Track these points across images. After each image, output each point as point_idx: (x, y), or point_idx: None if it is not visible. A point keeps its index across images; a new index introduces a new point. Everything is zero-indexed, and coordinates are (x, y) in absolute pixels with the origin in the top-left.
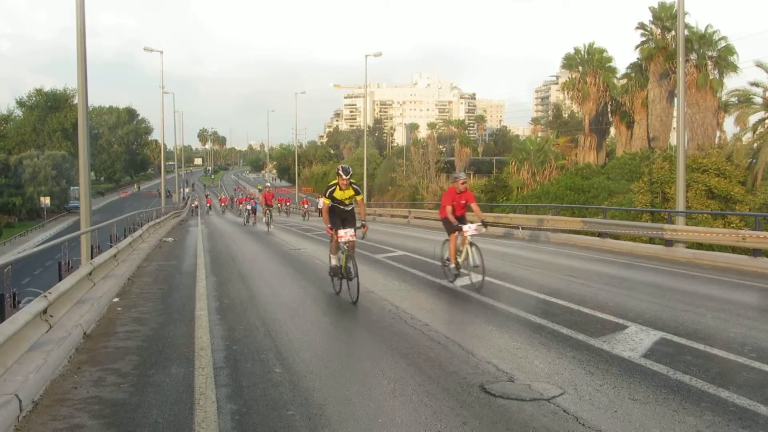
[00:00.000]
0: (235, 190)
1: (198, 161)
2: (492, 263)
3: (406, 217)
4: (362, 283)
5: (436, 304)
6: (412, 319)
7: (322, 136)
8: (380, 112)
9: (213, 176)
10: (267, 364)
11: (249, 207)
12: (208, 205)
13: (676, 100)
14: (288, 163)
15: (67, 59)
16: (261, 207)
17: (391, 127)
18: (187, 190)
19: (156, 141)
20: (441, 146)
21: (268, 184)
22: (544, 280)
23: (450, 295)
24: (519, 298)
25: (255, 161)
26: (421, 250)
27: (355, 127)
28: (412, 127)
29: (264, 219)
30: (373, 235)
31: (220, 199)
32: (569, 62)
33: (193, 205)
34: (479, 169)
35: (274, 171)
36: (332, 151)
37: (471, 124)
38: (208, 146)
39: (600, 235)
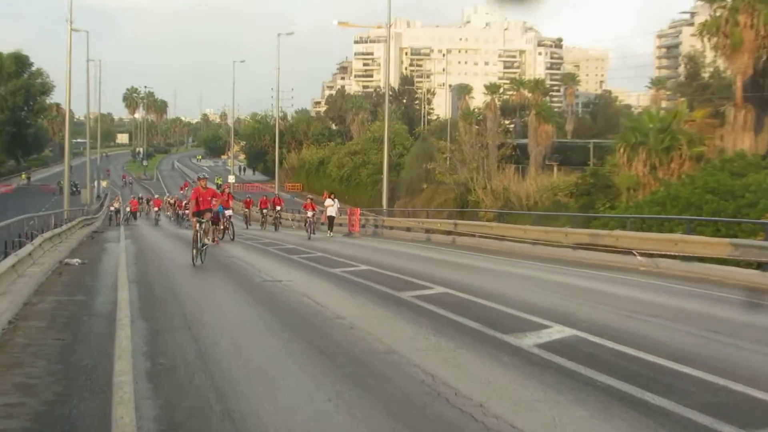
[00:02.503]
0: (181, 189)
1: (123, 138)
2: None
3: (449, 232)
4: (383, 339)
5: (489, 369)
6: (458, 397)
7: (318, 103)
8: (411, 65)
9: (145, 163)
10: None
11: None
12: (130, 211)
13: None
14: (264, 145)
15: None
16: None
17: (428, 91)
18: (104, 184)
19: (58, 106)
20: (507, 121)
21: (231, 178)
22: None
23: (490, 346)
24: None
25: (212, 140)
26: (479, 289)
27: (370, 90)
28: (462, 91)
29: (200, 242)
30: (391, 259)
31: (152, 201)
32: None
33: (111, 208)
34: (567, 159)
35: (242, 156)
36: (334, 126)
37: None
38: (139, 115)
39: (761, 266)
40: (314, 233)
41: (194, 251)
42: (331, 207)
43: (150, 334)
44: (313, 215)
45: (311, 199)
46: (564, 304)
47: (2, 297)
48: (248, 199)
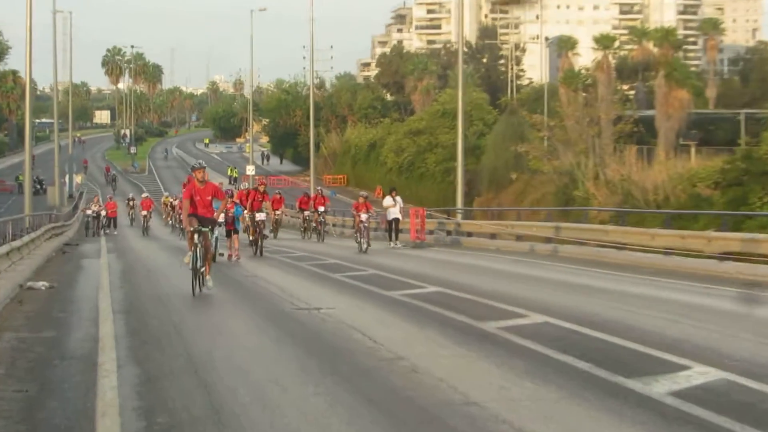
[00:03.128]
0: (184, 185)
1: (103, 117)
2: None
3: (549, 240)
4: (459, 386)
5: (605, 427)
6: None
7: (366, 65)
8: (493, 12)
9: (134, 150)
10: None
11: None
12: (106, 216)
13: None
14: (294, 123)
15: None
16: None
17: (517, 46)
18: (78, 179)
19: (15, 74)
20: (625, 86)
21: (249, 169)
22: None
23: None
24: None
25: (224, 118)
26: (589, 317)
27: (437, 46)
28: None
29: (198, 261)
30: (470, 277)
31: (139, 203)
32: None
33: (88, 212)
34: (709, 136)
35: (265, 139)
36: (389, 96)
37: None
38: (124, 85)
39: None
40: (369, 244)
41: (193, 276)
42: (393, 207)
43: (143, 383)
44: (368, 218)
45: (365, 198)
46: (704, 336)
47: None
48: (278, 197)
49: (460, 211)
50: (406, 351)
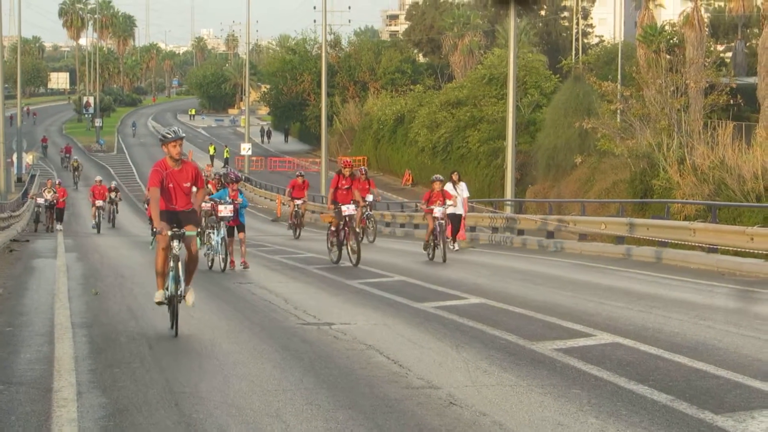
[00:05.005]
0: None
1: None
2: None
3: (621, 240)
4: (506, 424)
5: None
6: None
7: (393, 18)
8: None
9: (99, 123)
10: None
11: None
12: (51, 205)
13: None
14: (301, 91)
15: None
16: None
17: None
18: (29, 158)
19: None
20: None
21: (245, 148)
22: None
23: None
24: None
25: (213, 83)
26: (669, 336)
27: None
28: None
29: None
30: (521, 285)
31: (90, 190)
32: None
33: (40, 200)
34: None
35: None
36: (421, 57)
37: None
38: (87, 42)
39: None
40: (445, 251)
41: (165, 301)
42: (452, 200)
43: (110, 415)
44: (443, 213)
45: (440, 182)
46: None
47: None
48: (300, 179)
49: (509, 203)
50: (441, 378)
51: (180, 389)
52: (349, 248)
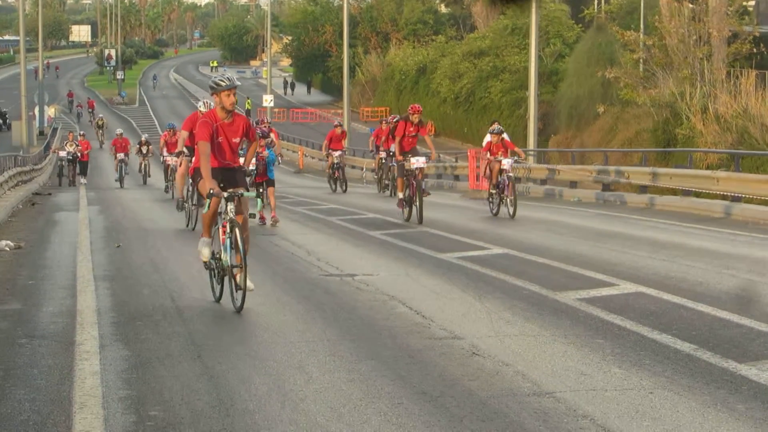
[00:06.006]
0: (190, 120)
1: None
2: None
3: (644, 188)
4: (529, 373)
5: (711, 426)
6: None
7: None
8: None
9: (121, 75)
10: None
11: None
12: (74, 158)
13: None
14: (323, 42)
15: None
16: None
17: None
18: (51, 111)
19: None
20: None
21: (267, 100)
22: None
23: None
24: None
25: (234, 35)
26: (679, 282)
27: None
28: None
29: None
30: (543, 236)
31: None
32: None
33: (62, 153)
34: None
35: (286, 61)
36: (443, 7)
37: None
38: None
39: None
40: (515, 205)
41: (213, 277)
42: (519, 152)
43: (133, 368)
44: (511, 165)
45: (498, 134)
46: None
47: None
48: (339, 130)
49: (532, 152)
50: (463, 329)
51: (202, 341)
52: (415, 205)
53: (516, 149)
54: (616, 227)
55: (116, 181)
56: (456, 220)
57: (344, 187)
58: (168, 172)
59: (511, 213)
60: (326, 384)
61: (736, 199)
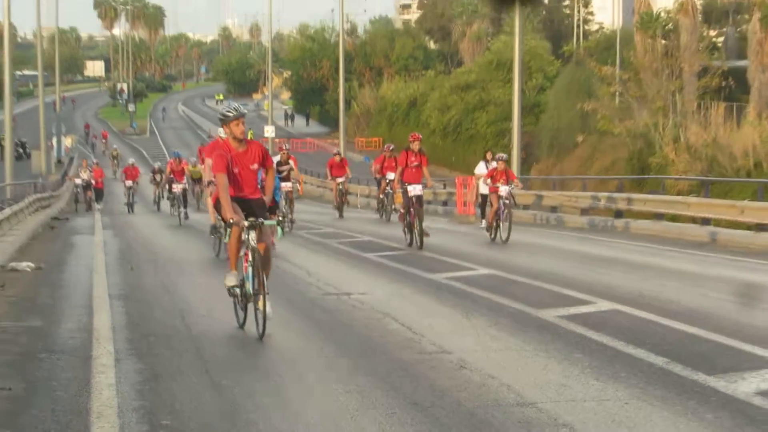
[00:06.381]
0: (203, 149)
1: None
2: None
3: (619, 214)
4: (513, 385)
5: None
6: None
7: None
8: None
9: (132, 108)
10: None
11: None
12: (88, 185)
13: None
14: (320, 77)
15: None
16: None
17: None
18: (68, 142)
19: None
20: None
21: (268, 131)
22: None
23: None
24: None
25: (238, 70)
26: (658, 301)
27: None
28: None
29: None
30: (527, 257)
31: (123, 170)
32: None
33: (77, 181)
34: None
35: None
36: (433, 45)
37: None
38: (120, 32)
39: None
40: (509, 232)
41: (237, 304)
42: (516, 182)
43: (146, 380)
44: (508, 192)
45: (503, 161)
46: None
47: None
48: (338, 158)
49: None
50: (452, 344)
51: (210, 357)
52: (415, 231)
53: (515, 179)
54: (595, 250)
55: (125, 205)
56: (445, 242)
57: (341, 214)
58: (173, 199)
59: (504, 238)
60: (325, 396)
61: (705, 223)
